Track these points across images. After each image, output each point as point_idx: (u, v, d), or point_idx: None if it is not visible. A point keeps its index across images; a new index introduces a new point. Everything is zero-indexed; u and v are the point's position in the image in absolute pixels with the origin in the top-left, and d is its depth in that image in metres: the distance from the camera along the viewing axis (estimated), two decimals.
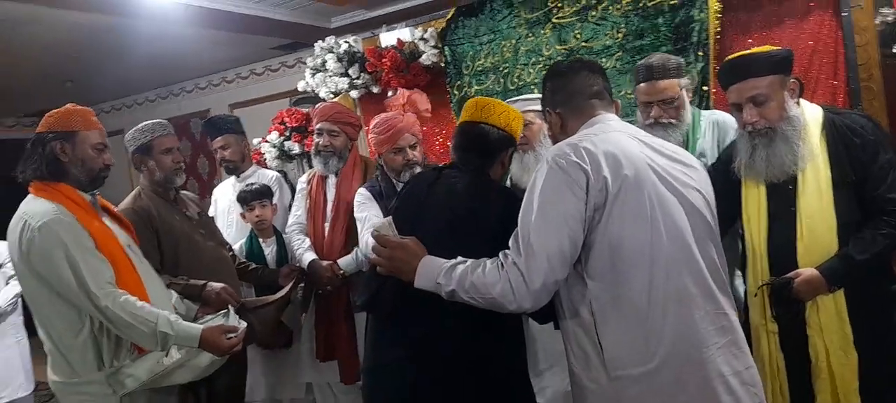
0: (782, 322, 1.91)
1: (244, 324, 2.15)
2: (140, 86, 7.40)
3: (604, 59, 3.23)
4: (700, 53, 3.01)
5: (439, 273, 1.55)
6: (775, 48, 2.01)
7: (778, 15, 3.11)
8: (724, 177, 2.01)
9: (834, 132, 1.89)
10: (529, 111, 2.57)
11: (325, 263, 2.86)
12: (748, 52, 2.01)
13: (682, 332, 1.46)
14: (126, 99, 7.72)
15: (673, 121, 2.31)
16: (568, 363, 1.59)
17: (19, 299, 3.81)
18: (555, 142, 1.71)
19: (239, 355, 2.65)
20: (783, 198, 1.91)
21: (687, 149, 2.30)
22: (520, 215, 1.52)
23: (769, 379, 1.95)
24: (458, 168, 1.86)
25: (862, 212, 1.86)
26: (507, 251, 1.51)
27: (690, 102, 2.46)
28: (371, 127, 2.77)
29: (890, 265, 1.91)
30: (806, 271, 1.86)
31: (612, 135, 1.56)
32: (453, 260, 1.56)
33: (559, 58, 3.33)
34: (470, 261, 1.55)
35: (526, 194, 1.53)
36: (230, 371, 2.51)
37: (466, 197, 1.75)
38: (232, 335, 2.06)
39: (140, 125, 2.64)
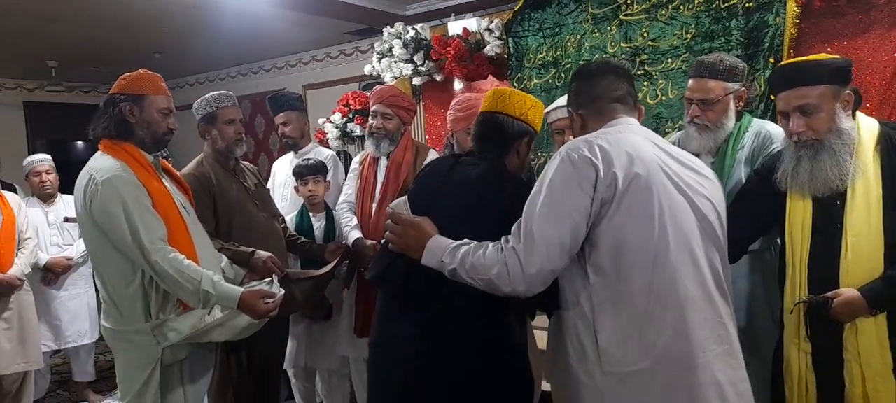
0: (818, 342, 1.82)
1: (282, 292, 2.23)
2: (222, 63, 7.74)
3: (670, 60, 3.14)
4: (771, 60, 2.87)
5: (444, 251, 1.59)
6: (833, 57, 1.90)
7: (861, 24, 2.92)
8: (765, 185, 1.93)
9: (889, 148, 1.78)
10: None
11: (369, 242, 2.92)
12: (803, 58, 1.91)
13: (679, 335, 1.45)
14: (209, 73, 8.09)
15: (708, 124, 2.21)
16: (565, 354, 1.60)
17: None
18: (577, 135, 1.72)
19: (280, 324, 2.77)
20: (829, 213, 1.82)
21: (725, 158, 2.22)
22: (527, 203, 1.54)
23: (797, 399, 1.86)
24: (476, 156, 1.89)
25: None
26: (508, 236, 1.54)
27: (752, 111, 2.35)
28: (452, 103, 2.80)
29: None
30: (847, 291, 1.76)
31: (629, 135, 1.58)
32: (459, 242, 1.60)
33: (624, 56, 3.26)
34: (474, 243, 1.58)
35: (536, 183, 1.55)
36: (271, 338, 2.61)
37: (481, 185, 1.79)
38: (269, 300, 2.14)
39: (207, 95, 2.77)
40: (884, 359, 1.73)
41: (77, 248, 3.96)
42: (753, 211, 1.99)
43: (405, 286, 1.77)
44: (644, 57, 3.19)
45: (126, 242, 2.03)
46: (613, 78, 1.70)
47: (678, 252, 1.48)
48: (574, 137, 1.71)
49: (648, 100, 3.19)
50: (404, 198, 1.82)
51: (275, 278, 2.37)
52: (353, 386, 3.27)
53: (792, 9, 2.90)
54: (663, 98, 3.13)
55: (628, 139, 1.56)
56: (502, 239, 1.55)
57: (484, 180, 1.79)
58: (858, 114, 1.87)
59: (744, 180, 2.15)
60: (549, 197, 1.49)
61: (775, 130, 2.28)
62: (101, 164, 2.11)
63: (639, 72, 3.22)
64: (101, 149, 2.19)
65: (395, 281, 1.79)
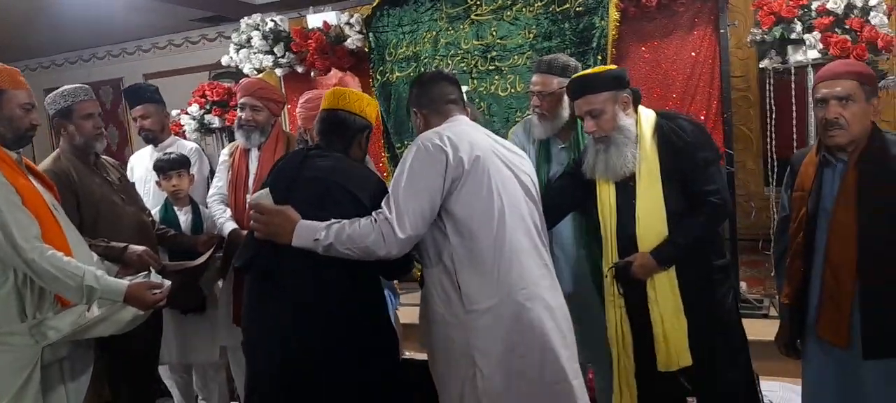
0: (629, 298, 2.24)
1: (168, 282, 2.26)
2: (49, 49, 7.10)
3: (516, 57, 3.52)
4: (599, 57, 3.35)
5: (317, 231, 1.87)
6: (611, 68, 2.35)
7: (668, 27, 3.50)
8: (579, 172, 2.34)
9: (662, 135, 2.20)
10: None
11: (245, 232, 2.98)
12: (588, 71, 2.32)
13: (519, 275, 1.94)
14: (30, 61, 7.37)
15: (545, 113, 2.56)
16: (433, 304, 1.99)
17: None
18: (419, 131, 2.10)
19: (157, 317, 2.75)
20: (626, 192, 2.23)
21: (579, 145, 2.59)
22: (392, 183, 1.91)
23: (616, 345, 2.28)
24: (322, 149, 2.11)
25: (688, 203, 2.18)
26: (379, 210, 1.89)
27: None
28: (300, 102, 2.91)
29: (714, 244, 2.27)
30: (641, 254, 2.18)
31: (466, 128, 2.05)
32: (328, 221, 1.88)
33: (476, 52, 3.59)
34: (343, 221, 1.87)
35: (399, 166, 1.94)
36: (145, 333, 2.59)
37: (333, 174, 2.02)
38: (157, 291, 2.17)
39: (61, 89, 2.66)
40: (675, 303, 2.17)
41: None
42: (570, 189, 2.41)
43: (275, 269, 1.96)
44: (494, 53, 3.54)
45: None
46: (446, 84, 2.12)
47: (511, 214, 1.95)
48: (417, 130, 2.11)
49: (500, 93, 3.55)
50: (266, 189, 1.98)
51: (152, 271, 2.38)
52: (232, 375, 3.30)
53: (613, 13, 3.39)
54: (512, 90, 3.51)
55: (466, 131, 2.01)
56: (374, 213, 1.88)
57: (335, 170, 2.03)
58: (640, 108, 2.27)
59: None
60: (411, 176, 1.88)
61: None
62: None
63: (491, 67, 3.57)
64: None
65: (261, 266, 1.98)
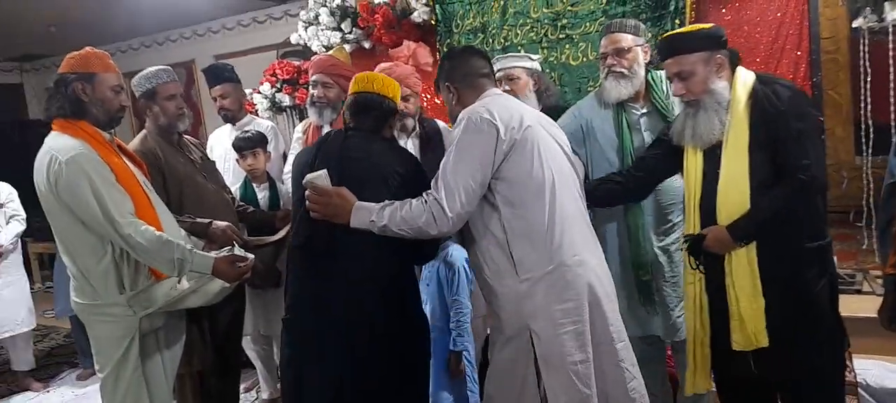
0: (708, 271, 2.14)
1: (252, 256, 2.33)
2: (124, 34, 7.37)
3: (588, 23, 3.42)
4: (677, 22, 3.21)
5: (372, 212, 1.92)
6: (706, 26, 2.19)
7: None
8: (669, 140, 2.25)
9: (757, 100, 2.06)
10: (516, 67, 2.75)
11: None
12: (680, 30, 2.21)
13: (571, 242, 1.97)
14: (110, 46, 7.67)
15: (624, 70, 2.48)
16: (480, 277, 2.05)
17: (19, 239, 3.95)
18: (451, 110, 2.15)
19: (240, 291, 2.85)
20: (713, 160, 2.11)
21: (657, 103, 2.52)
22: (443, 162, 1.93)
23: (694, 314, 2.20)
24: (358, 130, 2.14)
25: (775, 175, 2.04)
26: (429, 191, 1.92)
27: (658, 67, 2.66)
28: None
29: (807, 224, 2.07)
30: (715, 228, 2.08)
31: (510, 101, 2.08)
32: (382, 203, 1.94)
33: (546, 20, 3.50)
34: (397, 202, 1.93)
35: (449, 145, 1.97)
36: (231, 304, 2.70)
37: (375, 154, 2.10)
38: (241, 264, 2.24)
39: (145, 71, 2.75)
40: (753, 282, 2.05)
41: (6, 235, 3.80)
42: (662, 157, 2.31)
43: (330, 248, 2.02)
44: (565, 21, 3.45)
45: (96, 219, 2.06)
46: (478, 58, 2.16)
47: (561, 183, 1.98)
48: (450, 105, 2.15)
49: (571, 62, 3.46)
50: (324, 170, 2.01)
51: (235, 246, 2.46)
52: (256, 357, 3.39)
53: None
54: (584, 59, 3.41)
55: (512, 104, 2.04)
56: (424, 193, 1.91)
57: (375, 151, 2.11)
58: (738, 69, 2.13)
59: None
60: (459, 154, 1.91)
61: None
62: (60, 144, 2.11)
63: (561, 36, 3.47)
64: (55, 128, 2.18)
65: (320, 245, 2.04)
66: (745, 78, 2.10)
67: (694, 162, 2.16)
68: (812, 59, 3.27)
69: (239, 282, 2.29)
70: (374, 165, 2.06)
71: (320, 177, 1.98)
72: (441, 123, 3.08)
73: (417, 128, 2.98)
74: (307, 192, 1.99)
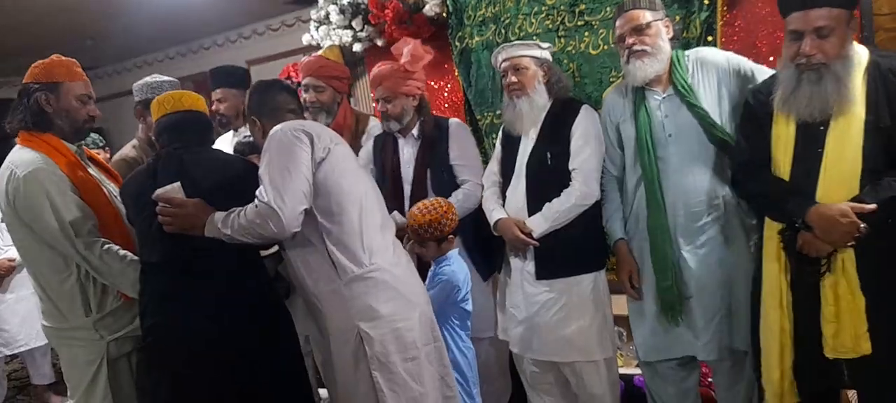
0: (797, 266, 1.89)
1: None
2: (161, 43, 7.47)
3: (608, 8, 3.11)
4: (706, 2, 2.88)
5: (220, 220, 1.96)
6: None
7: None
8: (762, 110, 1.97)
9: (877, 74, 1.79)
10: (525, 56, 2.52)
11: None
12: None
13: (381, 245, 2.11)
14: (147, 56, 7.79)
15: (647, 48, 2.24)
16: (304, 291, 2.14)
17: None
18: (257, 142, 2.27)
19: None
20: (812, 137, 1.83)
21: (677, 84, 2.26)
22: (261, 172, 1.97)
23: (779, 313, 1.94)
24: (184, 148, 2.10)
25: (890, 160, 1.78)
26: (259, 197, 1.94)
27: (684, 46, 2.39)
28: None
29: None
30: (823, 206, 1.80)
31: (315, 124, 2.26)
32: (228, 211, 1.97)
33: (563, 7, 3.23)
34: (238, 209, 1.96)
35: (262, 160, 2.01)
36: None
37: (223, 168, 2.14)
38: None
39: (149, 78, 2.69)
40: (853, 279, 1.80)
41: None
42: (756, 137, 2.02)
43: (190, 265, 2.01)
44: (583, 7, 3.15)
45: (56, 237, 1.96)
46: (286, 94, 2.26)
47: (368, 194, 2.13)
48: (256, 139, 2.26)
49: (591, 51, 3.16)
50: (177, 183, 2.01)
51: None
52: (315, 363, 3.24)
53: None
54: (604, 47, 3.11)
55: (317, 125, 2.22)
56: (256, 200, 1.94)
57: (222, 161, 2.19)
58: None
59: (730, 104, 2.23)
60: (282, 160, 1.96)
61: (707, 53, 2.35)
62: (21, 158, 2.02)
63: (579, 23, 3.18)
64: (19, 142, 2.10)
65: (180, 263, 2.00)
66: (860, 48, 1.85)
67: (786, 134, 1.89)
68: (864, 38, 2.87)
69: None
70: (217, 177, 2.09)
71: (175, 189, 1.99)
72: (454, 120, 2.89)
73: (415, 131, 2.80)
74: (160, 206, 1.97)
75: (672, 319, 2.33)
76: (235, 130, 3.37)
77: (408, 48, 2.72)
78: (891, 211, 1.76)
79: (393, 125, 2.77)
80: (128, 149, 2.64)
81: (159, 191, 1.97)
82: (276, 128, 2.04)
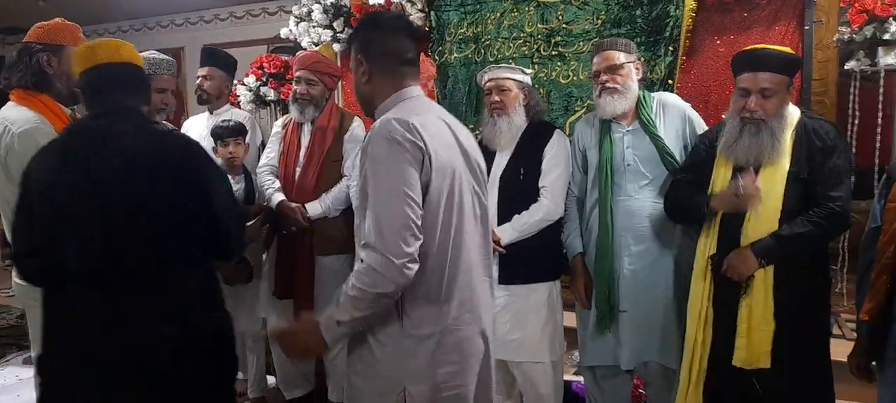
0: (721, 287, 2.17)
1: None
2: (115, 15, 7.26)
3: (581, 42, 3.36)
4: (670, 48, 3.17)
5: (334, 317, 1.54)
6: (790, 51, 2.22)
7: (746, 21, 3.28)
8: (705, 151, 2.29)
9: (803, 132, 2.11)
10: (509, 78, 2.69)
11: (293, 205, 2.95)
12: (771, 46, 2.20)
13: (469, 298, 1.65)
14: (98, 26, 7.55)
15: (617, 86, 2.46)
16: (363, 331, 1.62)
17: None
18: (357, 86, 1.69)
19: None
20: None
21: (643, 118, 2.49)
22: (362, 195, 1.55)
23: (696, 327, 2.23)
24: (108, 115, 1.65)
25: (805, 205, 2.09)
26: (363, 244, 1.52)
27: (651, 89, 2.62)
28: None
29: (827, 254, 2.19)
30: (741, 250, 2.10)
31: (432, 117, 1.62)
32: (334, 299, 1.57)
33: (540, 36, 3.45)
34: (342, 287, 1.55)
35: (365, 172, 1.53)
36: None
37: (145, 156, 1.61)
38: None
39: (148, 54, 2.67)
40: (766, 303, 2.09)
41: None
42: (703, 168, 2.31)
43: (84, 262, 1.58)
44: (558, 38, 3.39)
45: None
46: (406, 38, 1.67)
47: (466, 224, 1.62)
48: (356, 82, 1.70)
49: (561, 80, 3.40)
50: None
51: None
52: (270, 348, 3.29)
53: (689, 2, 3.19)
54: (574, 78, 3.36)
55: (435, 122, 1.60)
56: (358, 257, 1.54)
57: (145, 143, 1.63)
58: None
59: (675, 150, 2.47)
60: (387, 180, 1.49)
61: (669, 98, 2.60)
62: (16, 115, 2.01)
63: (553, 53, 3.42)
64: (13, 99, 2.08)
65: (73, 260, 1.58)
66: (792, 108, 2.17)
67: (723, 177, 2.19)
68: (803, 99, 3.23)
69: None
70: (141, 163, 1.60)
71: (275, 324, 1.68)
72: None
73: None
74: (273, 342, 1.70)
75: (605, 328, 2.55)
76: (212, 112, 3.40)
77: (422, 66, 2.82)
78: (801, 246, 2.09)
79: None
80: None
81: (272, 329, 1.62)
82: (381, 125, 1.54)
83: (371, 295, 1.49)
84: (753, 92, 2.11)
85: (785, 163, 2.09)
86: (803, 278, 2.12)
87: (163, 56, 2.70)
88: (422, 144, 1.51)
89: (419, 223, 1.51)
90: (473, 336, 1.67)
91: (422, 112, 1.60)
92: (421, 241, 1.51)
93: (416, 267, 1.50)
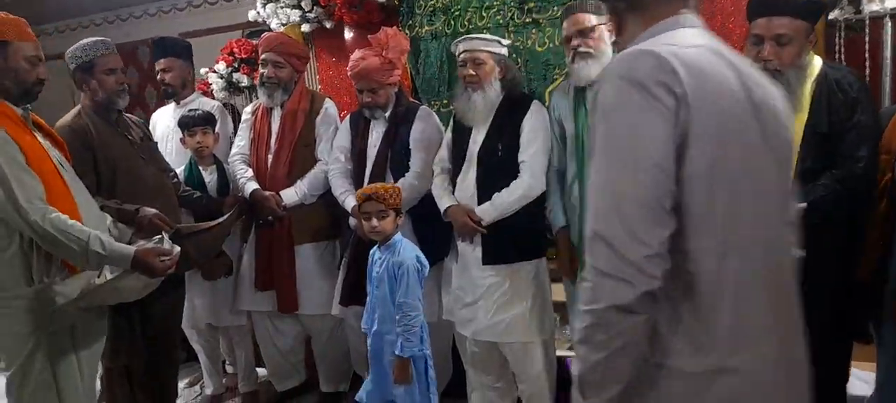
0: None
1: (178, 248, 2.15)
2: (86, 8, 7.08)
3: (556, 8, 3.23)
4: None
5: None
6: None
7: None
8: None
9: (824, 84, 1.96)
10: (483, 51, 2.60)
11: (267, 193, 2.87)
12: None
13: (742, 329, 1.09)
14: (71, 20, 7.35)
15: (591, 50, 2.38)
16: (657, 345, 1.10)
17: None
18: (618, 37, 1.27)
19: (177, 281, 2.68)
20: None
21: None
22: (593, 178, 1.10)
23: None
24: None
25: (823, 161, 1.95)
26: (594, 239, 1.04)
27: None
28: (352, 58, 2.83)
29: (837, 220, 1.95)
30: None
31: (703, 52, 1.08)
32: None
33: (513, 3, 3.33)
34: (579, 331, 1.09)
35: (601, 135, 1.09)
36: (167, 296, 2.52)
37: None
38: (166, 258, 2.06)
39: (81, 42, 2.56)
40: None
41: None
42: None
43: None
44: (532, 4, 3.27)
45: (0, 203, 1.88)
46: None
47: (756, 217, 1.10)
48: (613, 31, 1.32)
49: (537, 48, 3.29)
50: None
51: (165, 235, 2.27)
52: (257, 341, 3.23)
53: None
54: (549, 45, 3.25)
55: (706, 59, 1.07)
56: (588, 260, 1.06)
57: None
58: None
59: None
60: (627, 148, 1.04)
61: None
62: None
63: (527, 20, 3.30)
64: None
65: None
66: (815, 60, 2.01)
67: None
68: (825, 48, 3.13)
69: (163, 277, 2.10)
70: None
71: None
72: (424, 108, 2.93)
73: (386, 114, 2.84)
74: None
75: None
76: (178, 103, 3.30)
77: (394, 40, 2.75)
78: (817, 213, 1.90)
79: (378, 113, 2.81)
80: (72, 117, 2.53)
81: None
82: (619, 62, 1.09)
83: (606, 318, 1.03)
84: (767, 38, 1.95)
85: (802, 116, 1.94)
86: (819, 242, 1.92)
87: (97, 38, 2.56)
88: (678, 89, 1.02)
89: (667, 203, 1.03)
90: (775, 376, 1.11)
91: (685, 42, 1.09)
92: (670, 231, 1.03)
93: (664, 264, 1.03)
